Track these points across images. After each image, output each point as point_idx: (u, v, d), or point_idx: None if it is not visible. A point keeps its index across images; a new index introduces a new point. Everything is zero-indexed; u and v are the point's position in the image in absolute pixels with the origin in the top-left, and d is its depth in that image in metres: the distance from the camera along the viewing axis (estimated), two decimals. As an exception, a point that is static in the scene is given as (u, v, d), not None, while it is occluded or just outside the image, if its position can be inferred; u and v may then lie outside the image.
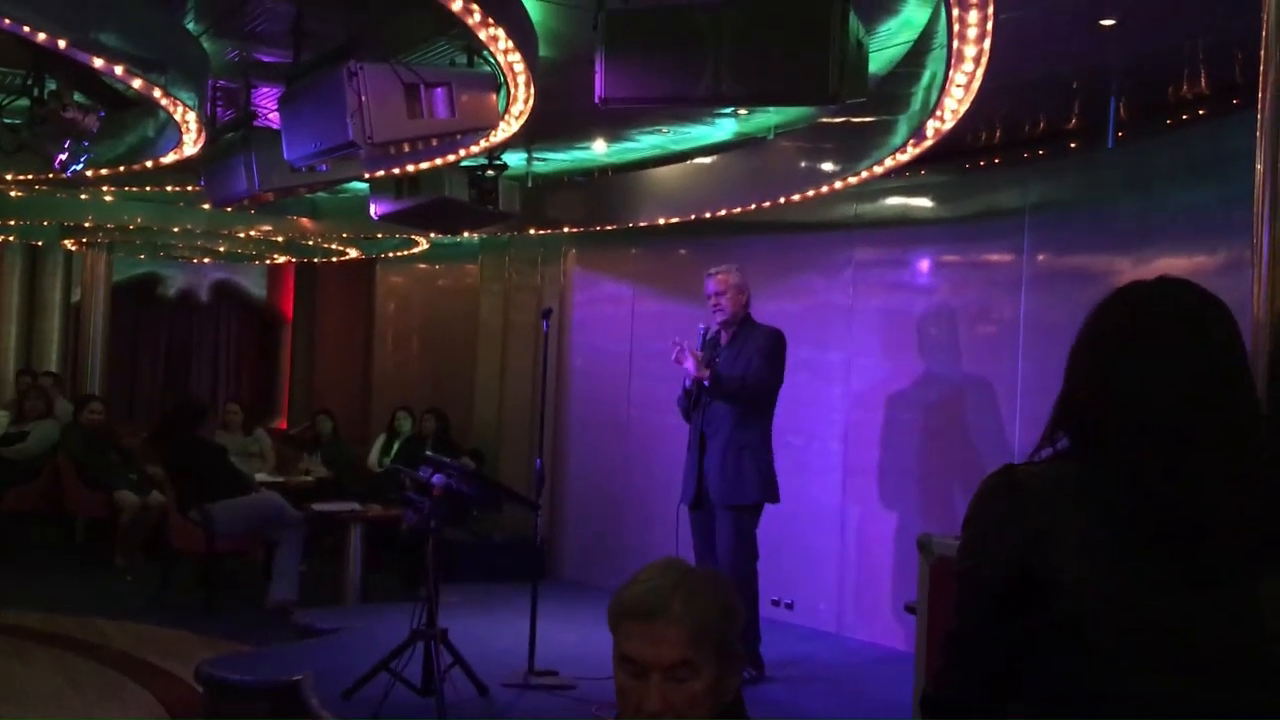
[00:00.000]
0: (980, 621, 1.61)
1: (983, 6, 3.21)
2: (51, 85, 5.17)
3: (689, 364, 5.70)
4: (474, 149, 6.01)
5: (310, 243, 10.69)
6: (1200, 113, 5.30)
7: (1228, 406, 1.53)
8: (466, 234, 9.42)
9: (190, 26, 5.13)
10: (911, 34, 4.62)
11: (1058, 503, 1.54)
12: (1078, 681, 1.52)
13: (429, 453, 6.86)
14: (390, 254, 11.06)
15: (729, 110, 6.15)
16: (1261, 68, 1.87)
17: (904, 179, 6.75)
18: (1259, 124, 1.89)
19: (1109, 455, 1.54)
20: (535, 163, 7.94)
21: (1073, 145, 6.10)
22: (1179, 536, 1.49)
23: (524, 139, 6.31)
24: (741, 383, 5.72)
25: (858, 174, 6.01)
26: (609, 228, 8.34)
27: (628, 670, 1.77)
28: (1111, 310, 1.62)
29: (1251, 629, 1.47)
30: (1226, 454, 1.51)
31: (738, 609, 1.82)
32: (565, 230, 8.80)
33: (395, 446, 9.64)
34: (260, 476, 8.89)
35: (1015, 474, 1.60)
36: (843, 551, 7.17)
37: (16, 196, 9.12)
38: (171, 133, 5.69)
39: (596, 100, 3.82)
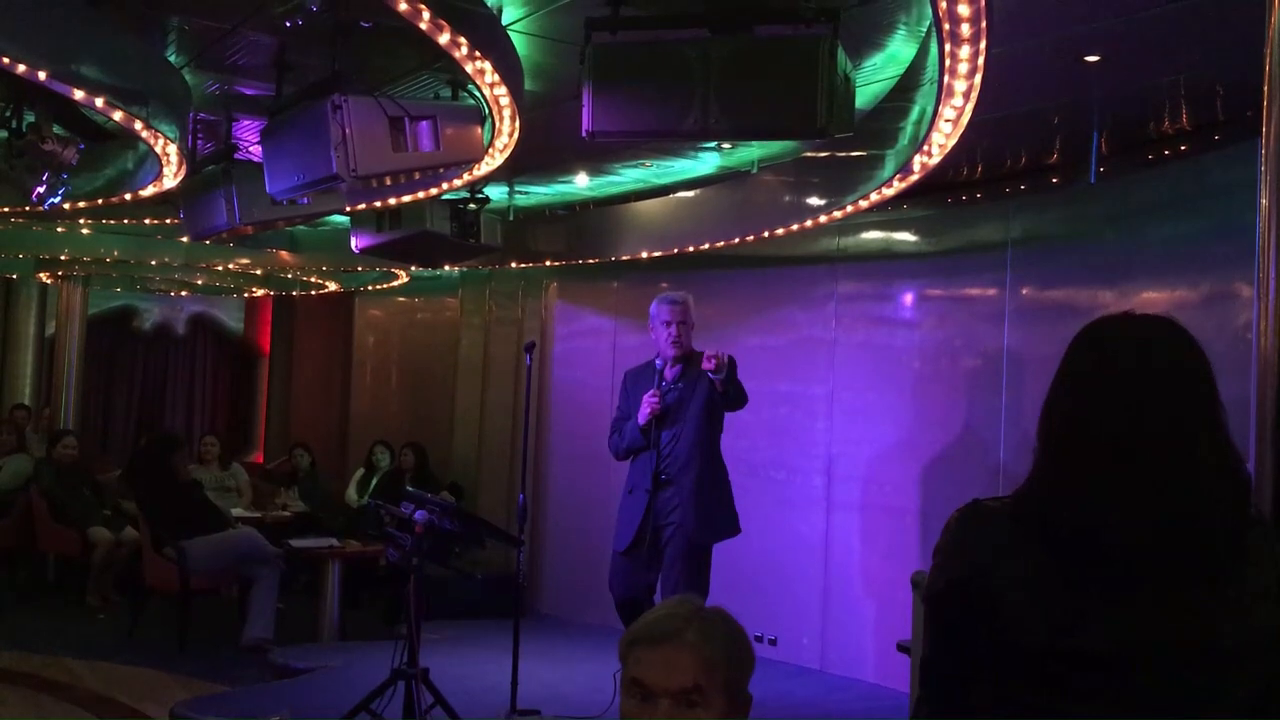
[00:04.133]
0: (943, 647, 1.67)
1: (975, 41, 3.22)
2: (30, 117, 5.11)
3: (648, 404, 5.47)
4: (456, 182, 5.99)
5: (289, 276, 10.62)
6: (1182, 148, 5.34)
7: (1172, 426, 1.57)
8: (447, 267, 9.38)
9: (172, 59, 5.09)
10: (898, 69, 4.63)
11: (1009, 531, 1.61)
12: (1029, 707, 1.56)
13: (409, 488, 6.78)
14: (370, 287, 11.00)
15: (713, 144, 6.15)
16: (1265, 102, 1.87)
17: (886, 213, 6.77)
18: (1263, 157, 1.88)
19: (1052, 482, 1.61)
20: (517, 196, 7.92)
21: (1054, 180, 6.13)
22: (1111, 552, 1.54)
23: (506, 172, 6.29)
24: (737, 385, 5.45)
25: (842, 208, 6.02)
26: (591, 261, 8.32)
27: (635, 695, 1.76)
28: (1071, 350, 1.69)
29: (1202, 637, 1.51)
30: (1168, 471, 1.55)
31: (750, 654, 1.81)
32: (547, 263, 8.78)
33: (373, 481, 9.54)
34: (236, 511, 8.77)
35: (978, 506, 1.69)
36: (826, 586, 7.12)
37: (-9, 229, 9.03)
38: (151, 165, 5.64)
39: (584, 133, 3.80)
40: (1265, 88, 1.87)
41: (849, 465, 7.06)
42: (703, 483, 5.48)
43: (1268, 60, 1.87)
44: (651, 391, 5.49)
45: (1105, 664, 1.52)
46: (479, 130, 4.72)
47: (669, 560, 5.47)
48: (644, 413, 5.49)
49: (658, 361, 5.61)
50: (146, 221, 8.42)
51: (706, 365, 5.32)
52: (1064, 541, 1.56)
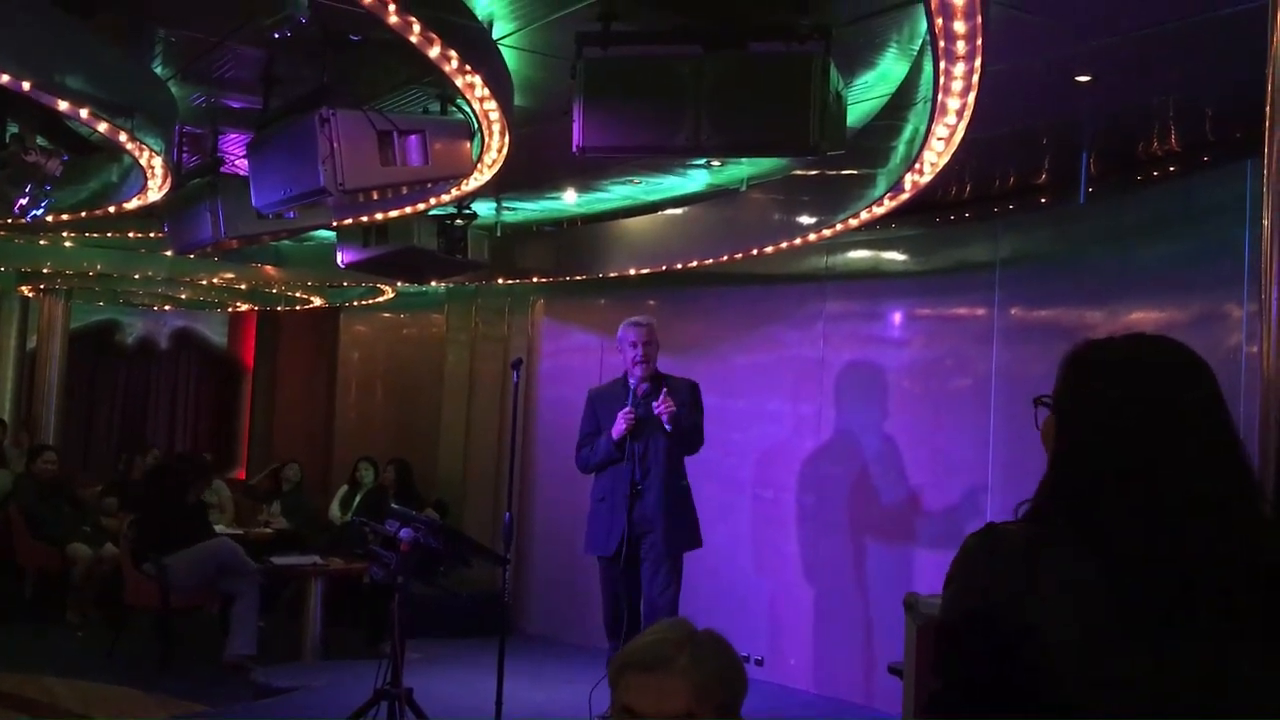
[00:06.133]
0: (962, 682, 1.60)
1: (970, 59, 3.21)
2: (14, 128, 5.06)
3: (621, 421, 5.77)
4: (444, 198, 5.95)
5: (274, 290, 10.56)
6: (1171, 169, 5.35)
7: (1189, 445, 1.55)
8: (433, 283, 9.34)
9: (158, 71, 5.04)
10: (889, 87, 4.62)
11: (1035, 560, 1.54)
12: None
13: (394, 505, 6.72)
14: (355, 302, 10.95)
15: (702, 161, 6.13)
16: (1267, 123, 1.85)
17: (875, 232, 6.75)
18: (1265, 178, 1.86)
19: (1065, 502, 1.57)
20: (504, 212, 7.89)
21: (1043, 200, 6.14)
22: (1149, 583, 1.49)
23: (493, 188, 6.25)
24: (692, 426, 5.85)
25: (831, 227, 6.00)
26: (578, 278, 8.29)
27: None
28: (1079, 370, 1.65)
29: (1241, 658, 1.47)
30: (1184, 492, 1.52)
31: (743, 677, 1.78)
32: (534, 280, 8.74)
33: (357, 498, 9.46)
34: (219, 528, 8.67)
35: (995, 532, 1.62)
36: (814, 606, 7.08)
37: (-28, 242, 8.95)
38: (136, 178, 5.59)
39: (574, 149, 3.77)
40: (1267, 108, 1.85)
41: (837, 484, 7.03)
42: (671, 495, 5.79)
43: (1269, 79, 1.85)
44: (627, 408, 5.79)
45: (1147, 691, 1.48)
46: (468, 145, 4.69)
47: (652, 565, 5.74)
48: (619, 427, 5.79)
49: (630, 380, 5.90)
50: (130, 235, 8.36)
51: (658, 411, 5.70)
52: (1085, 564, 1.52)
